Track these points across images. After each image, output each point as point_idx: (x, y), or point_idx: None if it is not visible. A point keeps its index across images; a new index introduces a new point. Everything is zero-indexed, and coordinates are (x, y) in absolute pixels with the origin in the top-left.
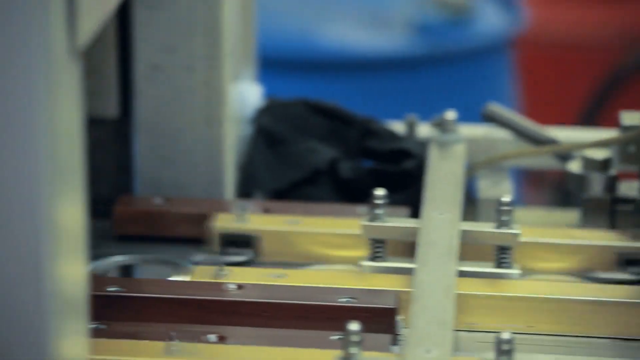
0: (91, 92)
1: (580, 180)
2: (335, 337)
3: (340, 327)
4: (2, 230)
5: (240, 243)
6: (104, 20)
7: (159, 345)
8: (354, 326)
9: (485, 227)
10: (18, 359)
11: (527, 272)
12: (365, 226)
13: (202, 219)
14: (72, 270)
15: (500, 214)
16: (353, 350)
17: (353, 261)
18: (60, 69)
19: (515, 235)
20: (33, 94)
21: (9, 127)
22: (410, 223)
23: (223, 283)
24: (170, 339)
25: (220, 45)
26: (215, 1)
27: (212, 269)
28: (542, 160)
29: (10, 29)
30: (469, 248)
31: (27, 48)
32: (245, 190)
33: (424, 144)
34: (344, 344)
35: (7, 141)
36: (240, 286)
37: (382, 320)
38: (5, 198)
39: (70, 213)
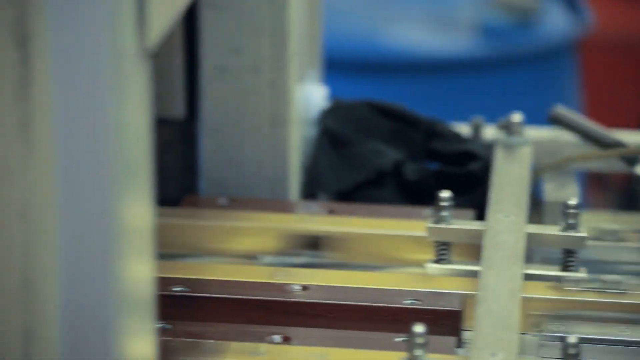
0: (158, 93)
1: None
2: (399, 339)
3: (405, 329)
4: (71, 230)
5: (305, 244)
6: (173, 22)
7: (224, 345)
8: (419, 328)
9: (551, 230)
10: (86, 358)
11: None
12: (430, 228)
13: (266, 220)
14: (139, 270)
15: (567, 216)
16: (418, 352)
17: (417, 264)
18: (130, 70)
19: (582, 238)
20: (103, 95)
21: (79, 128)
22: (475, 225)
23: (288, 284)
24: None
25: (286, 46)
26: (282, 2)
27: (276, 269)
28: (608, 163)
29: (81, 30)
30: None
31: (97, 49)
32: (310, 191)
33: (489, 146)
34: (409, 346)
35: (77, 141)
36: (305, 287)
37: (446, 322)
38: (75, 198)
39: (138, 213)
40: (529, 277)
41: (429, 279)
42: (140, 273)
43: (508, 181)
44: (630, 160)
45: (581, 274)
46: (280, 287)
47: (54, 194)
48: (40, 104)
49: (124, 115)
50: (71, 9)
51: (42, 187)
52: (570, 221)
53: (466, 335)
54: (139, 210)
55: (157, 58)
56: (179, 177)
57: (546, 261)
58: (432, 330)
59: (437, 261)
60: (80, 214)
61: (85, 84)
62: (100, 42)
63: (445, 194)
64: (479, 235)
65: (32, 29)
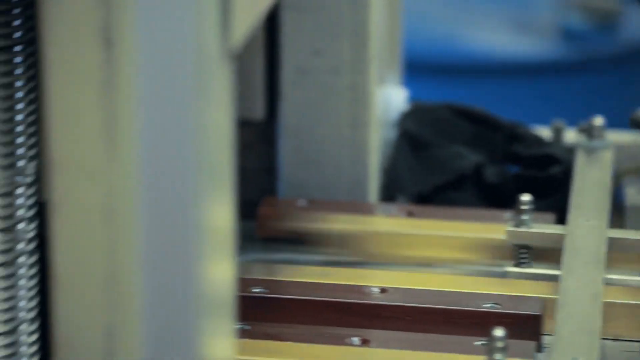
0: (239, 94)
1: None
2: (479, 342)
3: (484, 333)
4: (153, 230)
5: (383, 246)
6: (257, 23)
7: (303, 347)
8: (499, 332)
9: (632, 234)
10: (168, 358)
11: None
12: (510, 232)
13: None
14: (220, 271)
15: None
16: (498, 356)
17: (497, 267)
18: (213, 72)
19: None
20: (186, 96)
21: (162, 129)
22: (556, 229)
23: (366, 286)
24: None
25: (367, 48)
26: (363, 4)
27: (355, 271)
28: None
29: (165, 31)
30: (616, 256)
31: (181, 50)
32: (389, 193)
33: (570, 150)
34: (489, 349)
35: (160, 142)
36: (383, 289)
37: (526, 326)
38: (157, 199)
39: (220, 214)
40: (609, 282)
41: (509, 283)
42: (221, 274)
43: (589, 185)
44: None
45: None
46: (358, 290)
47: (136, 195)
48: (124, 105)
49: (206, 117)
50: (156, 10)
51: (124, 188)
52: None
53: (546, 340)
54: (220, 211)
55: (239, 59)
56: (258, 178)
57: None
58: (511, 335)
59: (517, 265)
60: (163, 215)
61: (169, 85)
62: (185, 43)
63: (526, 197)
64: (559, 239)
65: (117, 30)
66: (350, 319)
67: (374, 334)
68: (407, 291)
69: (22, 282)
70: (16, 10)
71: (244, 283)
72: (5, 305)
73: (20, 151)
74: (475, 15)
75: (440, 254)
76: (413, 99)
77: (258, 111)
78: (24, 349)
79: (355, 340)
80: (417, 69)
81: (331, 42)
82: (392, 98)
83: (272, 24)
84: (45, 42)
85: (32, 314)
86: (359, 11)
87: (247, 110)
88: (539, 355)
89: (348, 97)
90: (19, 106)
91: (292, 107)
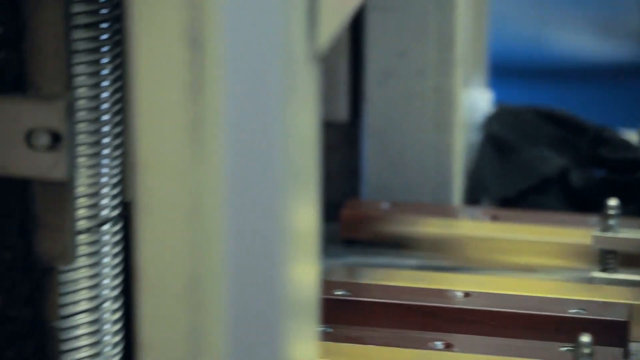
0: (323, 96)
1: None
2: (564, 348)
3: (570, 339)
4: (238, 232)
5: (466, 250)
6: (343, 25)
7: (385, 350)
8: (585, 338)
9: None
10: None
11: None
12: (596, 237)
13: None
14: (305, 273)
15: None
16: None
17: (582, 272)
18: (299, 73)
19: None
20: (272, 97)
21: (248, 130)
22: None
23: (450, 290)
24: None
25: (453, 50)
26: (449, 5)
27: (438, 275)
28: None
29: (252, 32)
30: None
31: (268, 51)
32: (473, 197)
33: None
34: (575, 356)
35: (246, 143)
36: (467, 294)
37: (613, 333)
38: (242, 200)
39: (305, 216)
40: None
41: (595, 288)
42: (305, 276)
43: None
44: None
45: None
46: (442, 293)
47: (221, 196)
48: (210, 106)
49: (292, 118)
50: (243, 11)
51: (210, 189)
52: None
53: (633, 347)
54: (305, 213)
55: (324, 61)
56: (342, 180)
57: None
58: (597, 341)
59: (603, 270)
60: (248, 216)
61: (255, 86)
62: (272, 44)
63: (613, 201)
64: None
65: (204, 31)
66: (433, 323)
67: (457, 338)
68: (491, 296)
69: (106, 281)
70: (104, 12)
71: (327, 285)
72: (90, 305)
73: (106, 151)
74: (561, 17)
75: (525, 258)
76: (498, 101)
77: (342, 113)
78: (107, 349)
79: (439, 344)
80: (502, 72)
81: (416, 44)
82: (477, 101)
83: (357, 25)
84: (131, 42)
85: (116, 316)
86: (445, 12)
87: (331, 112)
88: None
89: (433, 99)
90: (105, 106)
91: (377, 109)
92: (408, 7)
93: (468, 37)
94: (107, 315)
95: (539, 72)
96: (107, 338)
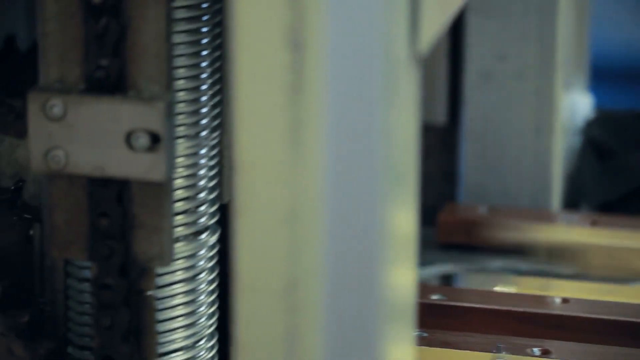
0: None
1: None
2: None
3: None
4: (336, 234)
5: (565, 255)
6: (445, 28)
7: (483, 356)
8: None
9: None
10: None
11: None
12: None
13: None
14: (402, 276)
15: None
16: None
17: None
18: (401, 76)
19: None
20: (373, 100)
21: (348, 132)
22: None
23: (548, 296)
24: (497, 350)
25: (554, 53)
26: (551, 8)
27: (536, 280)
28: None
29: (355, 34)
30: None
31: (370, 54)
32: (572, 201)
33: None
34: None
35: (346, 146)
36: (565, 300)
37: None
38: (341, 202)
39: (404, 219)
40: None
41: None
42: (403, 280)
43: None
44: None
45: None
46: (539, 299)
47: (320, 198)
48: (311, 108)
49: (393, 121)
50: (346, 13)
51: (308, 191)
52: None
53: None
54: (404, 216)
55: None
56: (439, 184)
57: None
58: None
59: None
60: (347, 219)
61: (356, 88)
62: (373, 46)
63: None
64: None
65: (306, 32)
66: (531, 328)
67: (555, 344)
68: (589, 302)
69: (203, 286)
70: (204, 16)
71: (423, 289)
72: (187, 309)
73: (204, 154)
74: None
75: (624, 265)
76: (598, 106)
77: (440, 116)
78: (203, 354)
79: (536, 350)
80: (603, 75)
81: (517, 46)
82: (577, 104)
83: (456, 27)
84: (232, 44)
85: (212, 320)
86: (546, 15)
87: (429, 115)
88: None
89: (532, 102)
90: (204, 110)
91: (475, 112)
92: (509, 10)
93: (569, 40)
94: (203, 321)
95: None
96: (202, 342)
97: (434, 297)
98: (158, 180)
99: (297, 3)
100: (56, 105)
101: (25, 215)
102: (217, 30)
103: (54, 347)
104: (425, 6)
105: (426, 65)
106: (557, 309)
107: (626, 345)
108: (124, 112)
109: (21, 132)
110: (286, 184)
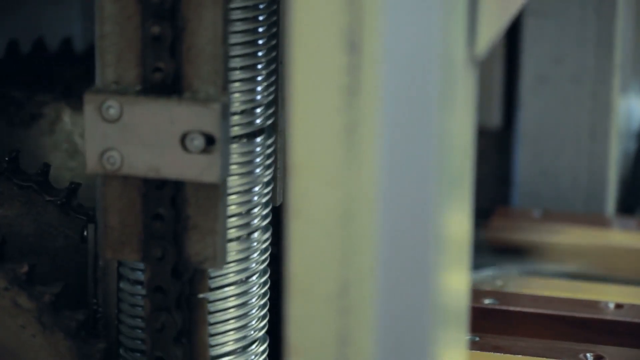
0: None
1: None
2: None
3: None
4: (390, 237)
5: (619, 261)
6: (502, 31)
7: None
8: None
9: None
10: None
11: None
12: None
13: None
14: (456, 280)
15: None
16: None
17: None
18: (458, 78)
19: None
20: (430, 102)
21: (404, 134)
22: None
23: (601, 301)
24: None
25: (611, 56)
26: (610, 12)
27: (589, 285)
28: None
29: (412, 36)
30: None
31: (428, 56)
32: (627, 206)
33: None
34: None
35: (402, 148)
36: (618, 305)
37: None
38: (396, 205)
39: (458, 223)
40: None
41: None
42: (457, 284)
43: None
44: None
45: None
46: (593, 304)
47: (375, 201)
48: (367, 110)
49: (450, 124)
50: (403, 15)
51: (363, 193)
52: None
53: None
54: (458, 220)
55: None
56: (492, 187)
57: None
58: None
59: None
60: (401, 222)
61: (413, 90)
62: (431, 49)
63: None
64: None
65: (362, 34)
66: (584, 334)
67: (608, 350)
68: None
69: (255, 289)
70: (260, 17)
71: (475, 294)
72: (239, 312)
73: (259, 155)
74: None
75: None
76: None
77: (494, 119)
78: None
79: (589, 356)
80: None
81: (574, 50)
82: (634, 109)
83: (512, 30)
84: (288, 45)
85: (263, 322)
86: (604, 18)
87: (484, 119)
88: None
89: (589, 106)
90: (259, 111)
91: (530, 115)
92: (566, 13)
93: (627, 44)
94: (254, 323)
95: None
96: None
97: (487, 301)
98: (212, 181)
99: (354, 5)
100: (112, 107)
101: (79, 216)
102: (273, 30)
103: (106, 347)
104: (484, 8)
105: (481, 68)
106: (611, 314)
107: None
108: (180, 114)
109: None
110: (341, 187)
